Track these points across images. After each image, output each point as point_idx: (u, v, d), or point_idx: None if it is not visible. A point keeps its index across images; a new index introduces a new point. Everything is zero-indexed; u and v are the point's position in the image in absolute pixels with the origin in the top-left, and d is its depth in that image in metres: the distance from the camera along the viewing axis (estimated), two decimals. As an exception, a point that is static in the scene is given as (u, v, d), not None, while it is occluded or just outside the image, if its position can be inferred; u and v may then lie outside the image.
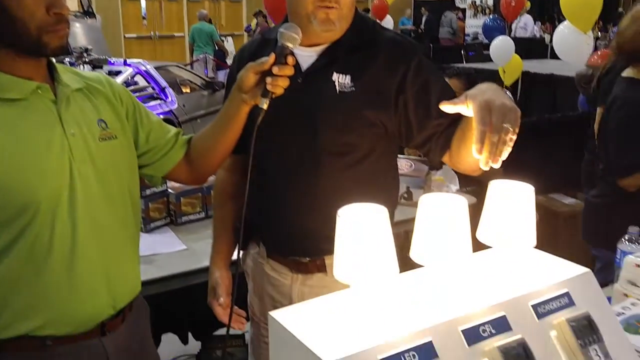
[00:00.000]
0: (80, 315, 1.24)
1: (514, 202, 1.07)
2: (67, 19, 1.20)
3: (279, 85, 1.26)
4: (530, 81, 6.71)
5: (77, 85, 1.29)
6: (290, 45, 1.28)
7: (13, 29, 1.14)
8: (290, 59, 1.27)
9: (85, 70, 5.54)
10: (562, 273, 1.09)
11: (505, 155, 1.10)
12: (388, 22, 7.91)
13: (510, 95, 1.15)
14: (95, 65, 5.39)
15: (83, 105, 1.29)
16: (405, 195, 2.59)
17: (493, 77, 6.52)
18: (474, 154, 1.11)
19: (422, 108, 1.39)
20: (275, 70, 1.25)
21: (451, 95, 1.35)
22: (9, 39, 1.16)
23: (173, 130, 1.48)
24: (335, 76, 1.40)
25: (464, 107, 1.17)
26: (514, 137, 1.11)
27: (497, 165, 1.10)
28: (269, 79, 1.26)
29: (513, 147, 1.13)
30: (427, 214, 0.99)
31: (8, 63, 1.18)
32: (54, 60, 1.28)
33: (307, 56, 1.43)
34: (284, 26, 1.31)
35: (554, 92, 6.49)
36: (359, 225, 0.90)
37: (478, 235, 1.11)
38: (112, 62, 5.63)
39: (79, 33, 7.12)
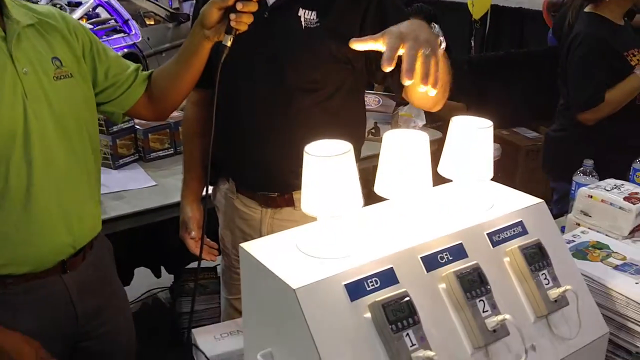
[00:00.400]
0: (39, 255, 1.25)
1: (473, 137, 1.11)
2: None
3: (243, 22, 1.25)
4: (498, 14, 6.69)
5: (29, 20, 1.24)
6: None
7: None
8: None
9: (42, 2, 5.31)
10: (516, 203, 1.15)
11: (432, 82, 1.02)
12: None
13: (439, 34, 1.14)
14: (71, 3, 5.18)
15: (35, 43, 1.24)
16: (373, 131, 2.63)
17: (462, 10, 6.48)
18: (384, 67, 1.02)
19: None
20: (239, 6, 1.24)
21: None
22: None
23: (132, 65, 1.45)
24: (301, 12, 1.40)
25: (377, 44, 1.06)
26: (440, 67, 1.03)
27: (429, 90, 1.02)
28: (232, 16, 1.25)
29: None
30: (390, 149, 1.03)
31: None
32: None
33: None
34: None
35: (522, 27, 6.50)
36: (325, 161, 0.93)
37: (439, 169, 1.16)
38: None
39: None
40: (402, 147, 1.02)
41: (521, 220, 1.12)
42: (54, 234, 1.27)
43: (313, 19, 1.39)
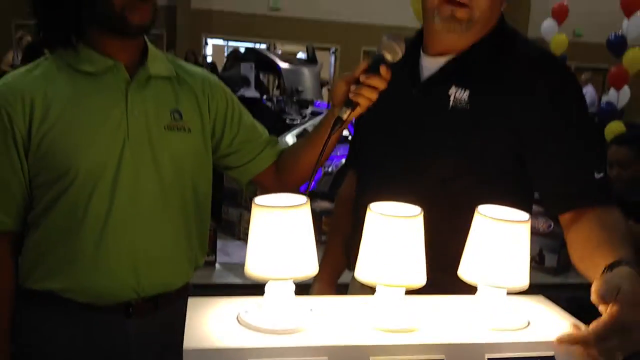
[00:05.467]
0: (100, 290, 1.27)
1: (502, 233, 0.88)
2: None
3: (362, 95, 1.15)
4: None
5: (164, 72, 1.32)
6: (388, 55, 1.16)
7: (100, 4, 1.21)
8: (383, 69, 1.15)
9: (295, 109, 5.91)
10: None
11: None
12: (625, 93, 7.10)
13: None
14: (302, 105, 5.78)
15: (161, 92, 1.31)
16: (537, 259, 2.27)
17: None
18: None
19: (541, 149, 1.16)
20: (362, 77, 1.15)
21: (592, 142, 1.17)
22: (98, 15, 1.21)
23: (265, 135, 1.43)
24: (452, 90, 1.20)
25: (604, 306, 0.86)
26: None
27: None
28: (352, 87, 1.16)
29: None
30: (375, 224, 0.86)
31: (95, 40, 1.25)
32: (153, 48, 1.33)
33: (429, 67, 1.26)
34: (386, 35, 1.18)
35: None
36: (269, 213, 0.81)
37: (460, 271, 0.92)
38: (317, 103, 5.96)
39: (306, 77, 7.57)
40: (392, 226, 0.84)
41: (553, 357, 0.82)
42: (118, 275, 1.27)
43: (464, 98, 1.19)
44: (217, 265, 2.01)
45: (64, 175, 1.22)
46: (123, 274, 1.27)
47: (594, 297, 0.86)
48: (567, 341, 0.82)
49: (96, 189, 1.23)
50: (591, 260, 1.00)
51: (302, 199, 0.83)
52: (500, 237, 0.88)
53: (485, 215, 0.89)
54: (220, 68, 8.06)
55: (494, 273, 0.88)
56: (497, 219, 0.88)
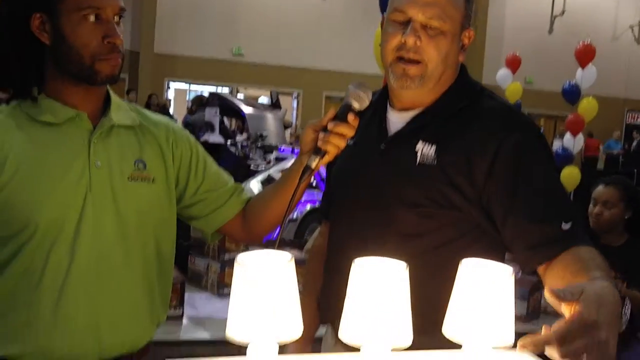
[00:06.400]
0: (59, 355, 1.18)
1: (486, 287, 0.87)
2: (120, 49, 1.21)
3: (330, 143, 1.15)
4: None
5: (127, 122, 1.27)
6: (355, 103, 1.16)
7: (69, 56, 1.17)
8: (350, 117, 1.16)
9: (259, 154, 5.90)
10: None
11: None
12: (580, 140, 7.37)
13: (627, 313, 0.94)
14: (266, 150, 5.78)
15: (125, 142, 1.26)
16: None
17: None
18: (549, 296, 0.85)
19: (506, 199, 1.17)
20: (329, 125, 1.15)
21: (557, 195, 1.19)
22: (64, 66, 1.19)
23: (231, 183, 1.38)
24: (419, 145, 1.21)
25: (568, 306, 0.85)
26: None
27: None
28: (321, 135, 1.16)
29: None
30: (361, 280, 0.84)
31: (57, 89, 1.21)
32: (115, 97, 1.30)
33: (397, 122, 1.27)
34: (353, 84, 1.19)
35: None
36: (248, 271, 0.79)
37: (444, 329, 0.91)
38: (281, 148, 5.96)
39: (270, 122, 7.63)
40: (376, 279, 0.82)
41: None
42: (79, 338, 1.19)
43: (431, 154, 1.20)
44: (184, 319, 1.95)
45: (21, 230, 1.16)
46: (84, 334, 1.19)
47: (548, 296, 0.83)
48: (530, 346, 0.78)
49: (55, 245, 1.17)
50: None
51: (286, 255, 0.81)
52: (487, 289, 0.86)
53: (471, 267, 0.88)
54: (183, 111, 8.04)
55: (480, 330, 0.87)
56: (486, 270, 0.87)
